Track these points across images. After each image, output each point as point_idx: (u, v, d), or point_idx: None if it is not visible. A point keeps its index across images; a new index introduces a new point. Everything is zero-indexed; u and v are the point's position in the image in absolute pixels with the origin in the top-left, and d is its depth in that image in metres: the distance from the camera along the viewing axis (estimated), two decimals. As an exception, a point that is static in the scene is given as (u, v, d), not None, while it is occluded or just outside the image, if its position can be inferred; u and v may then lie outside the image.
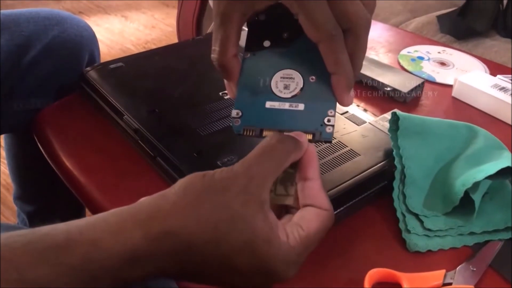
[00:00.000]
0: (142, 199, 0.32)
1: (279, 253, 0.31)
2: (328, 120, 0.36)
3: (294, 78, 0.38)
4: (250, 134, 0.37)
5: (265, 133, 0.37)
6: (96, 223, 0.29)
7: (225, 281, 0.32)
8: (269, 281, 0.32)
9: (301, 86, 0.37)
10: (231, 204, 0.31)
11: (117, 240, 0.28)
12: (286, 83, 0.38)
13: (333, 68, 0.35)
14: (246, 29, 0.40)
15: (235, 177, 0.32)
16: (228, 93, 0.40)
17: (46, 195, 0.84)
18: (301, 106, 0.37)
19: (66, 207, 0.82)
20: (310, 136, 0.37)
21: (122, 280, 0.29)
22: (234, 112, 0.38)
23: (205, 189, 0.31)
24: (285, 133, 0.36)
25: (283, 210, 0.38)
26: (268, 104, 0.37)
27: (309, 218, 0.34)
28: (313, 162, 0.36)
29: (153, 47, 2.16)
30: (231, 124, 0.38)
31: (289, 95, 0.37)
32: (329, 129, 0.36)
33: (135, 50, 2.14)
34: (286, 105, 0.37)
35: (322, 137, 0.36)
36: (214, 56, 0.37)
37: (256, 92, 0.38)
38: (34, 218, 0.87)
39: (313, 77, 0.37)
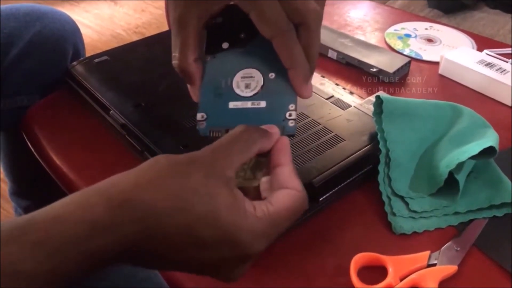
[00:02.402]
0: (107, 179, 0.32)
1: (244, 222, 0.31)
2: (290, 115, 0.38)
3: (254, 77, 0.39)
4: (216, 135, 0.38)
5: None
6: (60, 201, 0.30)
7: (190, 256, 0.31)
8: (237, 254, 0.31)
9: (262, 84, 0.38)
10: (193, 176, 0.31)
11: (78, 211, 0.29)
12: (247, 82, 0.39)
13: (288, 62, 0.36)
14: None
15: (198, 157, 0.32)
16: (192, 97, 0.40)
17: (40, 190, 0.84)
18: (262, 104, 0.38)
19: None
20: None
21: (89, 252, 0.29)
22: (199, 115, 0.39)
23: (168, 165, 0.31)
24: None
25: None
26: (232, 105, 0.38)
27: (279, 196, 0.34)
28: (284, 149, 0.36)
29: (144, 31, 2.15)
30: (197, 127, 0.39)
31: (250, 94, 0.38)
32: (291, 123, 0.37)
33: (125, 35, 2.12)
34: (248, 104, 0.38)
35: (285, 131, 0.37)
36: (174, 62, 0.38)
37: (219, 93, 0.39)
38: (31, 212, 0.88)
39: (272, 74, 0.38)
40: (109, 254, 0.29)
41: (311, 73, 0.37)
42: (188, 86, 0.40)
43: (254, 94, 0.38)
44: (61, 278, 0.28)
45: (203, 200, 0.30)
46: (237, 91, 0.39)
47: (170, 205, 0.30)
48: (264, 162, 0.37)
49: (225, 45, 0.40)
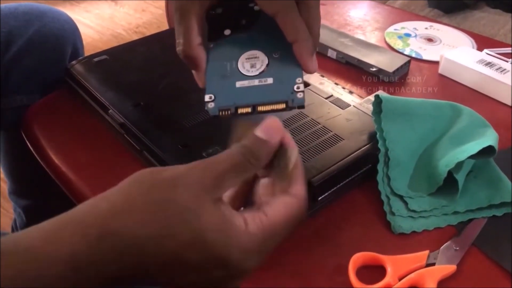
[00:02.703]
0: (82, 203, 0.29)
1: (234, 241, 0.29)
2: (298, 87, 0.38)
3: (258, 57, 0.39)
4: (226, 114, 0.38)
5: (240, 110, 0.38)
6: (31, 231, 0.27)
7: (181, 281, 0.29)
8: (230, 274, 0.30)
9: (267, 62, 0.39)
10: (177, 199, 0.28)
11: (54, 246, 0.26)
12: (252, 63, 0.39)
13: (292, 36, 0.37)
14: None
15: (187, 173, 0.30)
16: (198, 83, 0.40)
17: (40, 189, 0.84)
18: (270, 80, 0.38)
19: (61, 201, 0.83)
20: (283, 105, 0.38)
21: (68, 285, 0.27)
22: (206, 97, 0.38)
23: (151, 185, 0.29)
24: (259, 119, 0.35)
25: (248, 201, 0.36)
26: (238, 84, 0.38)
27: (276, 205, 0.31)
28: (293, 148, 0.34)
29: (144, 31, 2.15)
30: (205, 108, 0.38)
31: (256, 72, 0.39)
32: (300, 95, 0.37)
33: (126, 35, 2.12)
34: (255, 82, 0.38)
35: (295, 103, 0.37)
36: (179, 48, 0.38)
37: (225, 76, 0.39)
38: (30, 212, 0.88)
39: (277, 53, 0.39)
40: (90, 286, 0.28)
41: (315, 47, 0.38)
42: (194, 72, 0.40)
43: (261, 73, 0.39)
44: None
45: (188, 225, 0.28)
46: (243, 71, 0.39)
47: (154, 233, 0.28)
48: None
49: (227, 32, 0.40)
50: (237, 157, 0.31)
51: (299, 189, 0.33)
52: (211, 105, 0.38)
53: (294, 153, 0.34)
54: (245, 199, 0.36)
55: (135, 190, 0.29)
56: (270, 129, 0.33)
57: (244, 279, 0.31)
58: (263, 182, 0.35)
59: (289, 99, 0.37)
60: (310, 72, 0.38)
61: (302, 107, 0.38)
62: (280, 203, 0.32)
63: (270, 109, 0.37)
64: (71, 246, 0.27)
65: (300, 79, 0.38)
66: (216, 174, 0.30)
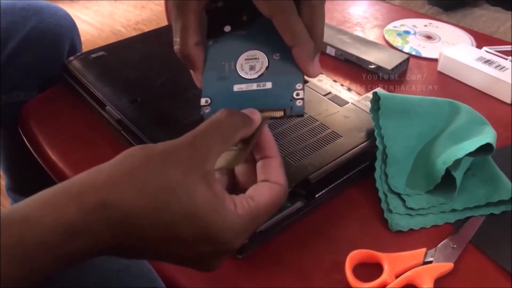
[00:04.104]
0: (77, 175, 0.30)
1: (225, 221, 0.30)
2: (297, 94, 0.36)
3: (258, 58, 0.38)
4: None
5: None
6: (29, 201, 0.28)
7: (171, 252, 0.31)
8: (216, 250, 0.31)
9: (267, 65, 0.37)
10: (171, 173, 0.29)
11: (50, 214, 0.27)
12: (252, 64, 0.38)
13: (290, 40, 0.36)
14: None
15: (177, 149, 0.31)
16: (196, 83, 0.39)
17: (37, 186, 0.84)
18: (268, 85, 0.37)
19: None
20: (281, 113, 0.37)
21: (65, 256, 0.28)
22: (203, 100, 0.38)
23: (143, 160, 0.30)
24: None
25: (234, 190, 0.37)
26: (236, 88, 0.37)
27: (261, 190, 0.34)
28: (272, 140, 0.36)
29: (144, 28, 2.14)
30: (201, 112, 0.38)
31: (255, 76, 0.37)
32: (299, 102, 0.36)
33: (125, 31, 2.12)
34: (254, 86, 0.37)
35: (293, 111, 0.36)
36: (176, 47, 0.37)
37: (222, 77, 0.38)
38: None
39: (277, 54, 0.37)
40: (87, 255, 0.29)
41: (318, 51, 0.37)
42: (191, 72, 0.39)
43: (259, 76, 0.37)
44: (37, 279, 0.28)
45: (181, 199, 0.29)
46: (242, 73, 0.38)
47: (147, 205, 0.29)
48: (243, 150, 0.35)
49: (227, 29, 0.39)
50: (222, 122, 0.33)
51: (279, 176, 0.35)
52: (207, 110, 0.38)
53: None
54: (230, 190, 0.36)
55: (129, 164, 0.30)
56: (248, 111, 0.36)
57: (226, 257, 0.33)
58: (245, 172, 0.36)
59: (287, 107, 0.36)
60: (311, 77, 0.37)
61: (301, 115, 0.37)
62: (264, 189, 0.34)
63: (268, 116, 0.37)
64: (67, 215, 0.27)
65: (301, 84, 0.37)
66: (204, 150, 0.31)
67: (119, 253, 0.30)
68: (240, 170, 0.37)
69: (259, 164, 0.36)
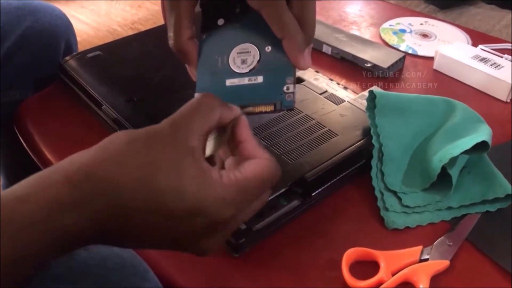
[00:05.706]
0: (65, 158, 0.31)
1: (211, 191, 0.31)
2: (287, 88, 0.37)
3: (250, 52, 0.38)
4: None
5: None
6: (20, 183, 0.29)
7: (162, 229, 0.31)
8: (206, 223, 0.31)
9: (258, 58, 0.38)
10: (155, 151, 0.30)
11: (39, 191, 0.28)
12: (243, 58, 0.38)
13: (279, 33, 0.36)
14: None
15: (159, 130, 0.32)
16: (191, 77, 0.40)
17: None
18: (259, 79, 0.37)
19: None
20: (271, 107, 0.37)
21: (55, 232, 0.28)
22: (196, 95, 0.38)
23: (128, 141, 0.31)
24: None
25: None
26: (228, 82, 0.38)
27: (247, 164, 0.34)
28: (245, 125, 0.36)
29: (141, 27, 2.14)
30: None
31: (247, 70, 0.38)
32: (289, 96, 0.36)
33: (122, 31, 2.11)
34: (245, 80, 0.38)
35: (283, 105, 0.37)
36: (170, 42, 0.38)
37: (215, 72, 0.38)
38: None
39: (269, 47, 0.38)
40: (77, 233, 0.29)
41: (308, 43, 0.37)
42: (186, 66, 0.40)
43: (251, 70, 0.38)
44: (31, 259, 0.28)
45: (167, 172, 0.30)
46: (234, 67, 0.38)
47: (133, 179, 0.29)
48: (223, 138, 0.36)
49: (220, 22, 0.39)
50: (200, 103, 0.34)
51: (262, 153, 0.35)
52: None
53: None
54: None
55: (114, 145, 0.31)
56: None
57: (223, 236, 0.34)
58: (229, 161, 0.37)
59: (277, 101, 0.37)
60: (302, 69, 0.38)
61: (291, 109, 0.37)
62: (250, 163, 0.34)
63: (258, 110, 0.37)
64: (56, 190, 0.28)
65: (291, 78, 0.37)
66: (185, 127, 0.32)
67: (111, 235, 0.30)
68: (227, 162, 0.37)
69: (238, 151, 0.36)
